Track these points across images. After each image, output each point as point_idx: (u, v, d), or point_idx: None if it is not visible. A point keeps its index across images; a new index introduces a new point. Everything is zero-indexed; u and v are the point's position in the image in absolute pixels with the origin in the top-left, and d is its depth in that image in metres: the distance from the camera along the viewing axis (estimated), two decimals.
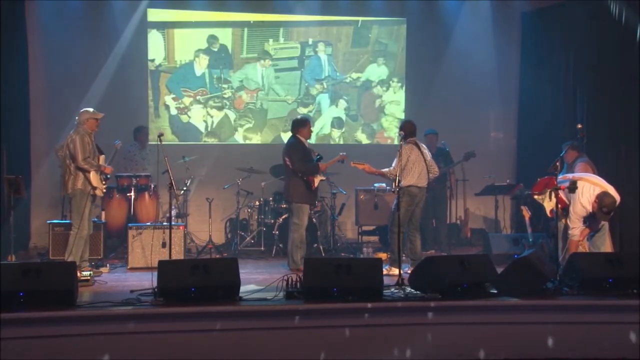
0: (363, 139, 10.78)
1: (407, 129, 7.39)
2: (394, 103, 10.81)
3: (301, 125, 7.65)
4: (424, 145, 7.57)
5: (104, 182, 7.07)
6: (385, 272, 6.42)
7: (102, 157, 7.14)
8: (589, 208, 6.53)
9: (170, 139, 10.06)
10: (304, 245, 7.57)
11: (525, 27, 10.49)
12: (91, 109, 7.12)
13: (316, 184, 7.55)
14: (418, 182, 7.27)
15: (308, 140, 7.81)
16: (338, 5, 10.39)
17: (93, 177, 6.87)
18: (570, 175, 6.87)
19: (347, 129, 10.74)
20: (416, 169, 7.26)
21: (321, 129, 10.63)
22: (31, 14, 9.35)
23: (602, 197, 6.44)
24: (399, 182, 6.91)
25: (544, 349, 5.25)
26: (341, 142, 10.65)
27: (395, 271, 6.30)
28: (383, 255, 8.13)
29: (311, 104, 10.63)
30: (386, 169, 7.38)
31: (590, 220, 6.71)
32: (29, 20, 9.28)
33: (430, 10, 10.47)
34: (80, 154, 6.80)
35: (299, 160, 7.47)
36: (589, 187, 6.55)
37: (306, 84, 10.59)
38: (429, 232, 8.92)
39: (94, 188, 6.89)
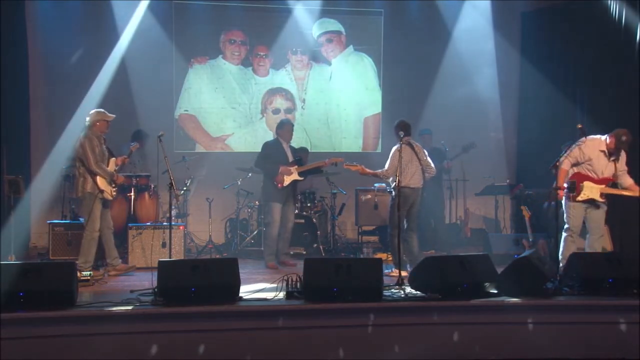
0: None
1: (401, 128, 7.36)
2: None
3: (279, 127, 8.00)
4: (418, 145, 7.52)
5: (113, 186, 7.04)
6: (388, 273, 6.47)
7: (112, 160, 7.08)
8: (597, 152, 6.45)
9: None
10: (274, 244, 7.73)
11: (525, 27, 10.48)
12: (102, 110, 7.04)
13: (285, 183, 7.66)
14: (411, 183, 7.20)
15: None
16: (337, 4, 10.37)
17: (100, 180, 6.85)
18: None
19: None
20: (409, 170, 7.19)
21: None
22: (31, 14, 9.34)
23: (618, 133, 6.37)
24: (395, 182, 6.91)
25: (544, 349, 5.25)
26: None
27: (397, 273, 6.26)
28: (383, 256, 8.14)
29: None
30: (379, 170, 7.34)
31: (590, 212, 6.64)
32: (29, 20, 9.27)
33: (430, 10, 10.45)
34: (91, 158, 6.78)
35: (260, 158, 7.83)
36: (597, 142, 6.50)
37: None
38: (429, 232, 8.90)
39: (102, 191, 6.86)
